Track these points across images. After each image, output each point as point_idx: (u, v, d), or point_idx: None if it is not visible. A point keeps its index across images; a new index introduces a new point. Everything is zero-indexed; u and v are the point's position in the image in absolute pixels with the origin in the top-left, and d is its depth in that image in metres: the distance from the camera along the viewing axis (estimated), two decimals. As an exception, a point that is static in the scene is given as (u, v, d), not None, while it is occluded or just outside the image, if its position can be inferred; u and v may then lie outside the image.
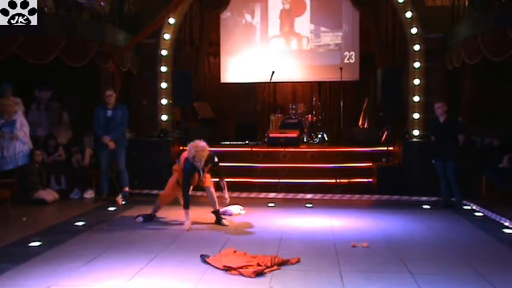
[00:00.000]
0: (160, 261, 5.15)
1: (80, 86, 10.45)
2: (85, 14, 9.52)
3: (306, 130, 11.39)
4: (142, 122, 11.30)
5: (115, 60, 10.12)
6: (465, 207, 8.01)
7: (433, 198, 8.55)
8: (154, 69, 11.23)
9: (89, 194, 9.02)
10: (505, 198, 8.33)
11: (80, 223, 6.85)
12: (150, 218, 7.08)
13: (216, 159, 6.96)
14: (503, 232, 6.44)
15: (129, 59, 10.62)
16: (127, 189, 8.68)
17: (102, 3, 9.88)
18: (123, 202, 8.42)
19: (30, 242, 5.81)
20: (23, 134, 8.64)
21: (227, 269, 4.79)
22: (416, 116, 10.52)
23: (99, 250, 5.53)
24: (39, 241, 5.85)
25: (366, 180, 9.67)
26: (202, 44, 12.05)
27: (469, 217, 7.36)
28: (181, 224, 6.74)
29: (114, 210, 7.91)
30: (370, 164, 9.78)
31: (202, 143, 6.68)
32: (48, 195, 8.55)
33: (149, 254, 5.37)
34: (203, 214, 7.27)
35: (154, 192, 9.07)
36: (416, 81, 10.59)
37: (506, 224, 6.78)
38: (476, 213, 7.63)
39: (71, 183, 9.36)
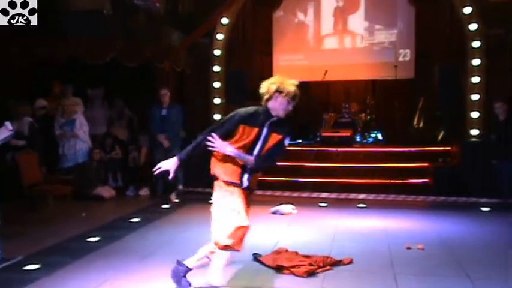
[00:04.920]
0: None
1: (137, 86, 10.70)
2: (141, 15, 9.75)
3: (359, 129, 11.21)
4: (196, 121, 11.46)
5: (170, 60, 10.31)
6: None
7: (493, 200, 8.23)
8: (207, 69, 11.36)
9: (144, 192, 9.23)
10: None
11: (135, 219, 7.03)
12: None
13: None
14: None
15: (183, 58, 10.79)
16: (181, 187, 8.83)
17: (157, 4, 10.09)
18: (177, 200, 8.57)
19: (88, 237, 6.02)
20: (82, 133, 8.95)
21: (279, 268, 4.79)
22: (475, 114, 10.15)
23: (153, 247, 5.65)
24: (97, 236, 6.04)
25: (422, 180, 9.41)
26: (255, 43, 12.10)
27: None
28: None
29: (168, 207, 8.07)
30: (426, 164, 9.51)
31: None
32: (106, 192, 8.83)
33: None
34: (257, 211, 7.27)
35: (207, 190, 9.17)
36: (476, 79, 10.21)
37: None
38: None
39: (127, 180, 9.63)
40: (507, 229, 6.52)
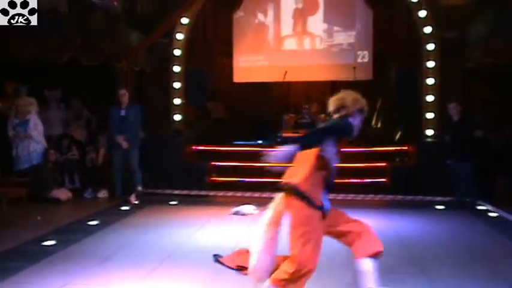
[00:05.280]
0: (172, 262, 5.16)
1: (95, 86, 10.51)
2: (98, 14, 9.57)
3: (319, 130, 11.32)
4: (155, 122, 11.34)
5: (128, 60, 10.16)
6: (480, 207, 7.93)
7: (447, 199, 8.48)
8: (167, 68, 11.26)
9: (102, 194, 9.06)
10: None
11: (93, 222, 6.89)
12: None
13: None
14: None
15: (142, 58, 10.66)
16: (140, 188, 8.71)
17: (115, 2, 9.93)
18: (136, 201, 8.46)
19: (44, 241, 5.86)
20: (36, 133, 8.71)
21: (240, 268, 4.79)
22: (430, 115, 10.43)
23: (112, 250, 5.55)
24: (54, 240, 5.90)
25: (380, 180, 9.60)
26: (215, 43, 12.07)
27: (483, 217, 7.28)
28: (194, 226, 6.76)
29: (127, 209, 7.95)
30: (384, 164, 9.71)
31: None
32: (62, 194, 8.63)
33: (162, 254, 5.39)
34: (218, 212, 7.27)
35: (167, 192, 9.11)
36: (430, 81, 10.49)
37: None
38: (491, 214, 7.54)
39: (84, 182, 9.44)
40: (461, 227, 6.73)
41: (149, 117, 10.66)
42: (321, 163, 3.55)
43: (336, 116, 3.68)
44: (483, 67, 9.79)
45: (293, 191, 3.57)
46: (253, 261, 3.67)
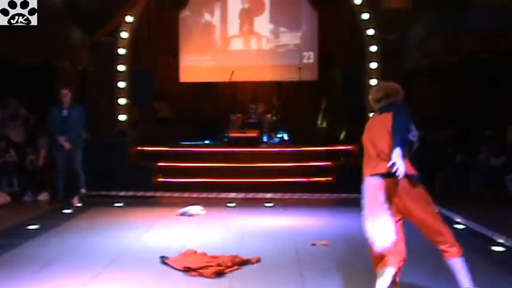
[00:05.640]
0: (118, 265, 5.05)
1: (37, 85, 10.15)
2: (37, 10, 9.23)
3: (265, 130, 11.42)
4: (100, 122, 11.08)
5: (71, 59, 9.88)
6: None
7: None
8: (112, 68, 11.02)
9: (43, 196, 8.76)
10: (457, 196, 8.59)
11: (34, 226, 6.64)
12: None
13: None
14: (455, 228, 6.61)
15: (85, 57, 10.39)
16: (83, 190, 8.48)
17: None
18: (79, 204, 8.22)
19: (-19, 247, 5.60)
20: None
21: (187, 270, 4.74)
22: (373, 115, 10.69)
23: (54, 254, 5.37)
24: (-9, 245, 5.64)
25: (326, 178, 9.76)
26: (161, 42, 11.92)
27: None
28: (140, 228, 6.65)
29: (70, 212, 7.72)
30: (330, 163, 9.89)
31: None
32: None
33: (107, 257, 5.25)
34: (164, 213, 7.18)
35: (112, 193, 8.91)
36: (373, 82, 10.77)
37: (458, 220, 6.98)
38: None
39: (24, 185, 9.08)
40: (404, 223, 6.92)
41: (93, 117, 10.40)
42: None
43: (384, 102, 3.99)
44: (422, 68, 10.16)
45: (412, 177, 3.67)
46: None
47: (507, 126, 9.31)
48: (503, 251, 5.43)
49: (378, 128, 3.85)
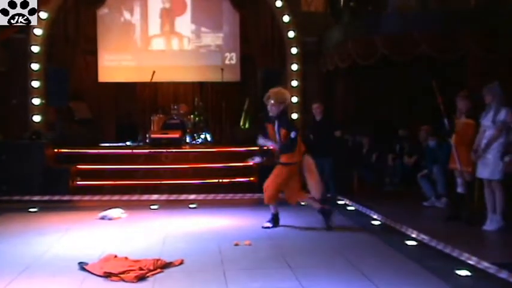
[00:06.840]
0: (32, 273, 4.80)
1: None
2: None
3: (188, 131, 11.34)
4: (12, 123, 10.51)
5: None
6: (339, 202, 8.48)
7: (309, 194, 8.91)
8: (24, 66, 10.49)
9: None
10: (373, 194, 8.98)
11: None
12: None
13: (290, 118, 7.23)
14: (372, 224, 6.93)
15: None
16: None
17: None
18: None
19: None
20: None
21: (108, 275, 4.61)
22: (294, 116, 10.94)
23: (-39, 264, 5.02)
24: None
25: (248, 179, 9.85)
26: (78, 40, 11.51)
27: (342, 211, 7.79)
28: (56, 233, 6.37)
29: (-20, 219, 7.26)
30: (251, 163, 9.95)
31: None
32: None
33: (20, 265, 4.98)
34: (83, 218, 6.93)
35: (26, 198, 8.49)
36: (294, 83, 11.01)
37: (375, 216, 7.29)
38: (349, 208, 8.11)
39: None
40: (322, 219, 7.13)
41: (6, 118, 9.89)
42: None
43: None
44: (340, 69, 10.51)
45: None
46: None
47: (419, 127, 9.82)
48: (415, 245, 5.73)
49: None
